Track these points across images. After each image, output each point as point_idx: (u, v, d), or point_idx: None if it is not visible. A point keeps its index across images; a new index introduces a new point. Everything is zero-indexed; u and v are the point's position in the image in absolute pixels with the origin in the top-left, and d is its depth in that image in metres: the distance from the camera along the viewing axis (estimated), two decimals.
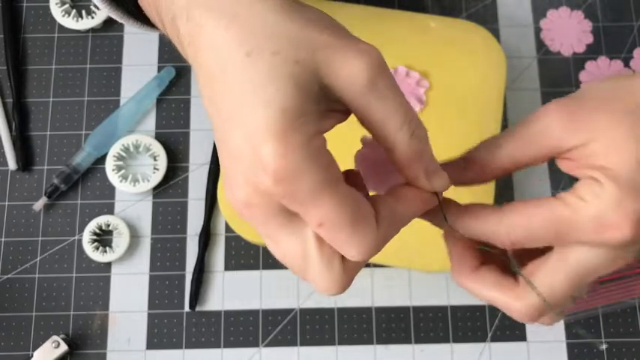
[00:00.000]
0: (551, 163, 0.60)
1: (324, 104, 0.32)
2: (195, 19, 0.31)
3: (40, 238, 0.59)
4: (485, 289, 0.38)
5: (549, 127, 0.35)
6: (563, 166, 0.37)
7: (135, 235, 0.59)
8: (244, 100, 0.30)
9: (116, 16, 0.44)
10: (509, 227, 0.35)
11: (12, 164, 0.60)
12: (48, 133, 0.61)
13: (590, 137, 0.34)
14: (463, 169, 0.38)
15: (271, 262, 0.58)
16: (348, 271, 0.33)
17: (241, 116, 0.30)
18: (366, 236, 0.32)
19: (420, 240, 0.54)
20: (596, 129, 0.34)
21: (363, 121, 0.33)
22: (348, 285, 0.33)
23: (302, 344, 0.57)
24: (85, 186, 0.60)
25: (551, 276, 0.36)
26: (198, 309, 0.57)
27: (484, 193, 0.55)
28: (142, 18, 0.43)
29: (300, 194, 0.30)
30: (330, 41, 0.31)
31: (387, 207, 0.33)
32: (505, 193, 0.60)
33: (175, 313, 0.57)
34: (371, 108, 0.32)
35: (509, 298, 0.37)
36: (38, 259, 0.59)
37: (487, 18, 0.64)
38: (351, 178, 0.35)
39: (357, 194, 0.32)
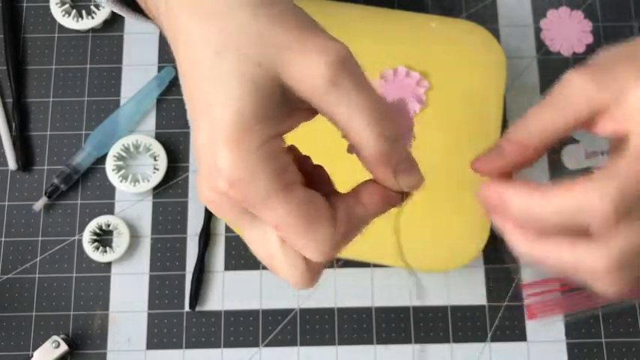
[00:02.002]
0: (552, 160, 0.61)
1: (288, 105, 0.32)
2: (173, 10, 0.32)
3: (40, 238, 0.59)
4: (557, 249, 0.34)
5: (581, 87, 0.35)
6: (602, 129, 0.36)
7: (135, 235, 0.59)
8: (208, 99, 0.30)
9: (116, 8, 0.44)
10: (614, 190, 0.32)
11: (12, 164, 0.60)
12: (48, 133, 0.61)
13: (622, 88, 0.34)
14: (503, 155, 0.37)
15: None
16: (312, 269, 0.33)
17: (204, 116, 0.30)
18: (322, 238, 0.32)
19: (420, 240, 0.54)
20: (627, 79, 0.34)
21: (330, 120, 0.33)
22: (315, 280, 0.34)
23: (302, 344, 0.57)
24: (85, 186, 0.60)
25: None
26: (198, 309, 0.57)
27: None
28: (141, 11, 0.43)
29: (252, 199, 0.30)
30: (294, 40, 0.31)
31: (346, 207, 0.33)
32: None
33: (175, 313, 0.57)
34: (333, 108, 0.31)
35: (588, 248, 0.33)
36: (38, 259, 0.59)
37: (487, 18, 0.64)
38: (316, 174, 0.36)
39: (313, 196, 0.32)
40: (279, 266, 0.33)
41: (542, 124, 0.36)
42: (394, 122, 0.33)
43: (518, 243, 0.36)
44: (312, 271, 0.33)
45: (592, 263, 0.33)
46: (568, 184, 0.33)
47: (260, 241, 0.33)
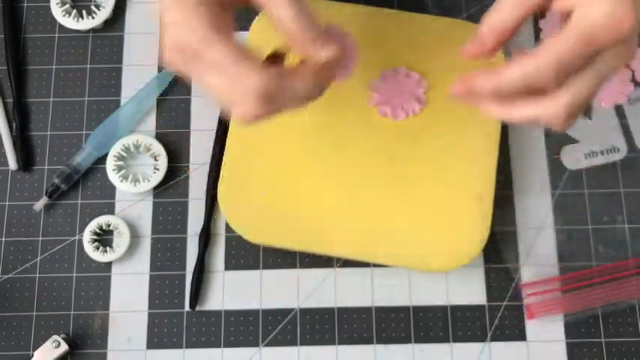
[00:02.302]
0: (551, 160, 0.61)
1: None
2: None
3: (40, 238, 0.59)
4: (525, 108, 0.42)
5: None
6: (556, 6, 0.42)
7: (135, 235, 0.59)
8: None
9: None
10: (554, 60, 0.39)
11: (12, 164, 0.60)
12: (48, 133, 0.62)
13: None
14: (483, 40, 0.43)
15: (271, 262, 0.58)
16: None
17: None
18: (248, 83, 0.39)
19: (419, 240, 0.54)
20: None
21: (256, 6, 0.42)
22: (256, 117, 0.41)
23: (302, 344, 0.57)
24: (85, 186, 0.60)
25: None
26: (198, 309, 0.58)
27: (484, 191, 0.55)
28: None
29: (190, 42, 0.40)
30: None
31: (278, 71, 0.41)
32: (504, 193, 0.60)
33: (176, 313, 0.58)
34: None
35: (545, 103, 0.41)
36: (39, 258, 0.59)
37: None
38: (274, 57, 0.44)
39: (245, 48, 0.40)
40: (228, 97, 0.41)
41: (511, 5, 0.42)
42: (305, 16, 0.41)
43: (497, 111, 0.43)
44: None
45: (550, 113, 0.41)
46: (526, 56, 0.40)
47: (211, 81, 0.40)
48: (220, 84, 0.40)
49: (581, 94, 0.41)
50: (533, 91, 0.41)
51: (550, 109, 0.41)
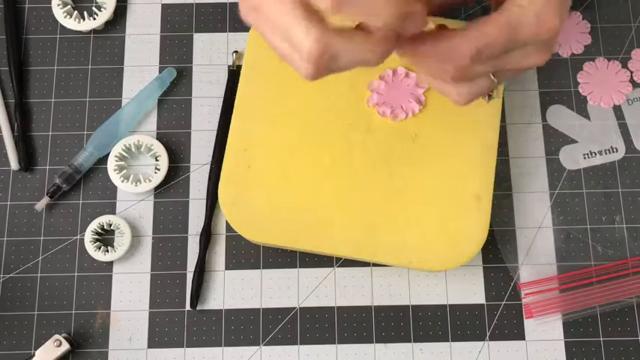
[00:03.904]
0: (550, 160, 0.61)
1: None
2: None
3: (42, 238, 0.59)
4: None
5: None
6: None
7: (136, 235, 0.59)
8: None
9: None
10: (472, 38, 0.41)
11: (14, 164, 0.61)
12: (50, 133, 0.62)
13: None
14: None
15: (272, 262, 0.59)
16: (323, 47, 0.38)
17: None
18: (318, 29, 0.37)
19: (419, 240, 0.54)
20: None
21: None
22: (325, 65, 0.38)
23: (302, 343, 0.57)
24: (86, 186, 0.61)
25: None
26: (199, 308, 0.58)
27: (483, 191, 0.55)
28: None
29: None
30: None
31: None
32: (503, 193, 0.60)
33: (177, 312, 0.58)
34: None
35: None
36: (40, 258, 0.59)
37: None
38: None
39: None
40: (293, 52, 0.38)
41: None
42: None
43: (419, 74, 0.47)
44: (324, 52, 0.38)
45: (454, 95, 0.44)
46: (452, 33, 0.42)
47: (277, 36, 0.39)
48: (278, 43, 0.39)
49: (485, 84, 0.44)
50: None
51: (454, 91, 0.44)
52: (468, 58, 0.41)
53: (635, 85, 0.62)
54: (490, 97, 0.49)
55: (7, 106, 0.63)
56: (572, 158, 0.61)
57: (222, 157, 0.56)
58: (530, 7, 0.41)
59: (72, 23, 0.63)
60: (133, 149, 0.61)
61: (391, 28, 0.38)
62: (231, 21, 0.64)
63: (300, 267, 0.59)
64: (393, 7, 0.37)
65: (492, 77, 0.44)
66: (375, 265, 0.58)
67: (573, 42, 0.64)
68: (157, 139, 0.61)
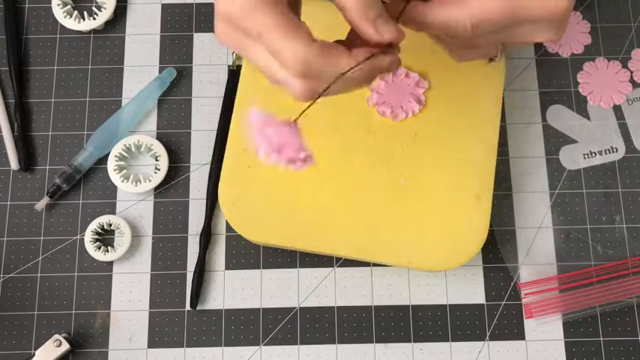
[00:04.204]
0: (550, 160, 0.61)
1: None
2: None
3: (42, 238, 0.59)
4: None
5: None
6: None
7: (136, 235, 0.59)
8: None
9: None
10: (471, 12, 0.41)
11: (14, 164, 0.61)
12: (50, 133, 0.62)
13: None
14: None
15: (272, 262, 0.59)
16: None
17: None
18: (296, 46, 0.38)
19: (419, 240, 0.54)
20: None
21: None
22: (310, 93, 0.40)
23: (302, 343, 0.57)
24: (86, 186, 0.61)
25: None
26: (199, 308, 0.58)
27: (483, 191, 0.55)
28: None
29: (239, 12, 0.38)
30: None
31: (327, 45, 0.39)
32: (503, 193, 0.60)
33: (177, 312, 0.58)
34: None
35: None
36: (40, 258, 0.59)
37: None
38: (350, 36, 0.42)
39: (293, 16, 0.39)
40: (276, 72, 0.40)
41: None
42: None
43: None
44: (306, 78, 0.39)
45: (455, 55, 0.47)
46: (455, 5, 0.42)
47: (259, 55, 0.40)
48: (262, 59, 0.40)
49: (491, 50, 0.45)
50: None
51: (456, 53, 0.46)
52: (468, 31, 0.41)
53: (635, 85, 0.62)
54: (492, 59, 0.49)
55: (7, 106, 0.63)
56: (572, 158, 0.61)
57: (222, 157, 0.56)
58: None
59: (72, 23, 0.63)
60: (133, 149, 0.61)
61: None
62: None
63: (300, 267, 0.59)
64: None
65: (500, 45, 0.44)
66: (375, 265, 0.58)
67: (573, 42, 0.64)
68: (157, 139, 0.61)
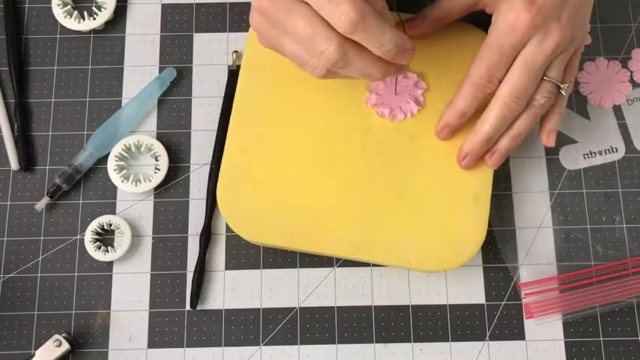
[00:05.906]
0: (550, 160, 0.61)
1: None
2: None
3: (42, 238, 0.59)
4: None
5: None
6: (487, 9, 0.53)
7: (136, 235, 0.59)
8: None
9: None
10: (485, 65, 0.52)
11: (14, 164, 0.61)
12: (50, 133, 0.62)
13: None
14: (425, 22, 0.56)
15: (271, 262, 0.59)
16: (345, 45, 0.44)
17: None
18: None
19: (418, 240, 0.54)
20: None
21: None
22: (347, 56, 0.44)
23: (302, 343, 0.57)
24: (86, 186, 0.61)
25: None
26: (199, 308, 0.58)
27: (482, 191, 0.55)
28: None
29: None
30: None
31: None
32: (503, 193, 0.60)
33: (177, 312, 0.58)
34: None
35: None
36: (40, 258, 0.59)
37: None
38: None
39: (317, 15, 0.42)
40: (316, 51, 0.43)
41: (441, 8, 0.55)
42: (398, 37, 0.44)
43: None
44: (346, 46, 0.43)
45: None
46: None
47: (302, 21, 0.43)
48: (296, 51, 0.44)
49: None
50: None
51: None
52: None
53: (635, 85, 0.62)
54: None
55: (7, 106, 0.63)
56: (572, 158, 0.61)
57: (222, 157, 0.56)
58: (503, 17, 0.51)
59: (72, 23, 0.63)
60: (133, 149, 0.61)
61: (389, 56, 0.44)
62: (231, 21, 0.64)
63: (300, 267, 0.59)
64: (394, 41, 0.44)
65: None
66: (375, 265, 0.58)
67: None
68: (157, 139, 0.61)
